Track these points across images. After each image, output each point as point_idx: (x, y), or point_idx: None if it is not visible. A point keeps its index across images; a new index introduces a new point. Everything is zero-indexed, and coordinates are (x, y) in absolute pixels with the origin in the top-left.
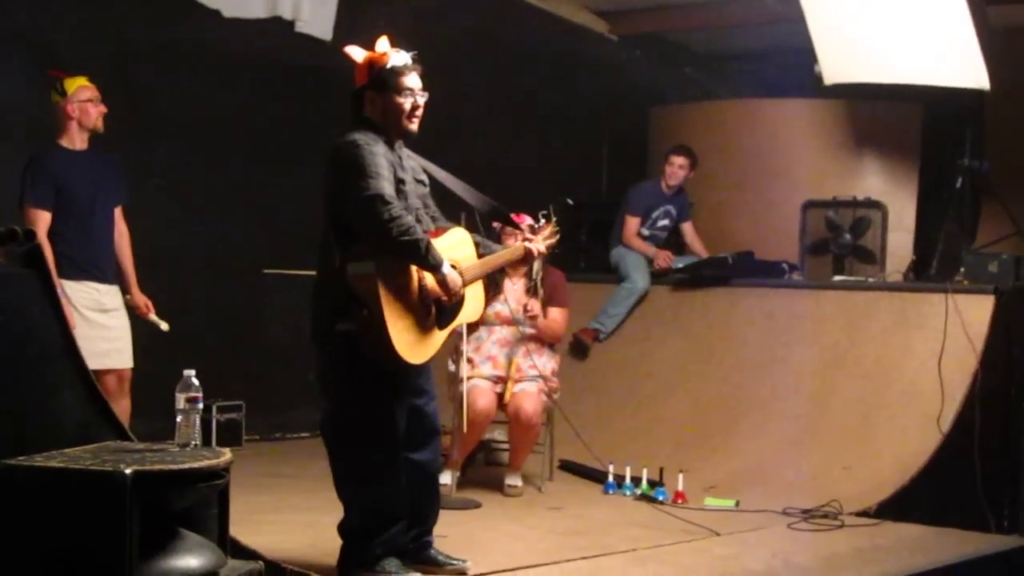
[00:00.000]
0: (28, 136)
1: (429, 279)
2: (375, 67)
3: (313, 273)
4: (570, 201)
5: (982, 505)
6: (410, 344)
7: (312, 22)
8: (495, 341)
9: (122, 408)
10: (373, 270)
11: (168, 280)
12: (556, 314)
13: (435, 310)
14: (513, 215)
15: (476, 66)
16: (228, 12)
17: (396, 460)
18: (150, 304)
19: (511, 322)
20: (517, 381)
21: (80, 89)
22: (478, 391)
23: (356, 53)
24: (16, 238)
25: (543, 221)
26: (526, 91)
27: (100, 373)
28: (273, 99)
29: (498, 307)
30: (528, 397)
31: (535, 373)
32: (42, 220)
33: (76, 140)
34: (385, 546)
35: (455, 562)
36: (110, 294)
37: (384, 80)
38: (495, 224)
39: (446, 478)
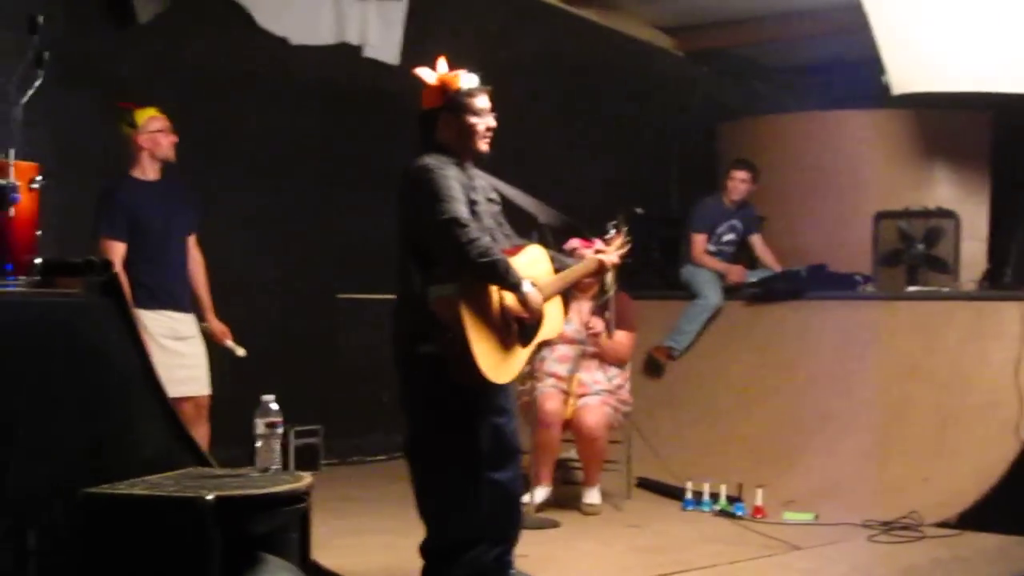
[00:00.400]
0: (99, 167)
1: (510, 298)
2: (449, 89)
3: (387, 296)
4: (639, 210)
5: None
6: (495, 364)
7: (379, 47)
8: (556, 359)
9: (200, 435)
10: (455, 293)
11: (243, 306)
12: (622, 336)
13: (517, 328)
14: (583, 240)
15: (543, 86)
16: (296, 40)
17: (480, 480)
18: (227, 330)
19: (573, 341)
20: (579, 396)
21: (150, 120)
22: (545, 395)
23: (428, 75)
24: (94, 268)
25: (613, 232)
26: (594, 110)
27: (178, 401)
28: (343, 124)
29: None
30: (589, 410)
31: (599, 388)
32: (116, 251)
33: (148, 170)
34: (467, 567)
35: None
36: (186, 322)
37: (460, 102)
38: (568, 247)
39: (540, 495)
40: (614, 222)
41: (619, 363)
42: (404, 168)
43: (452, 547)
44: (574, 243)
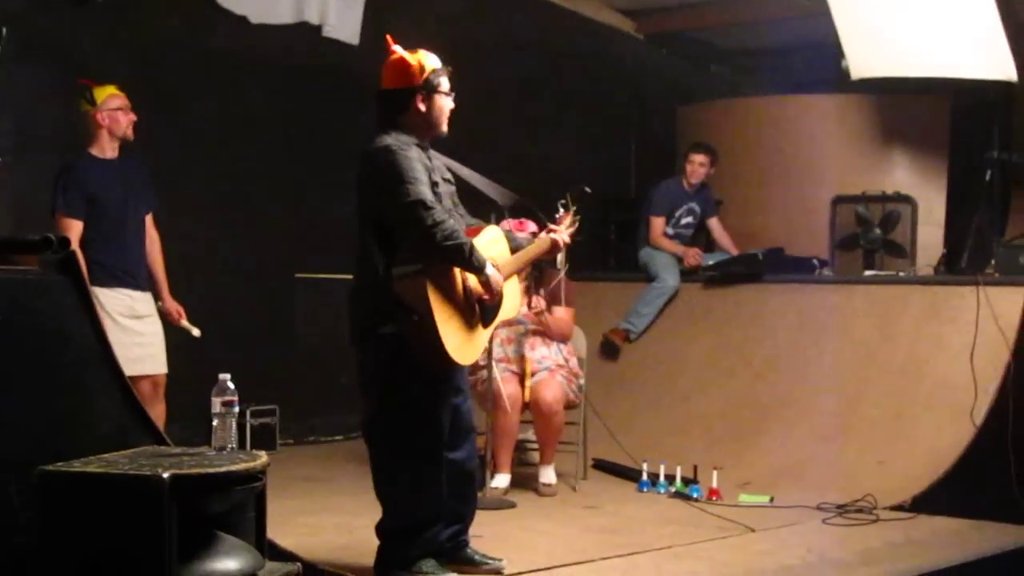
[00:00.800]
0: (56, 144)
1: (472, 279)
2: (425, 68)
3: (346, 276)
4: (587, 189)
5: (1016, 497)
6: (459, 346)
7: (339, 27)
8: (500, 342)
9: (157, 413)
10: (421, 275)
11: (200, 285)
12: (562, 313)
13: (479, 309)
14: (516, 222)
15: (503, 67)
16: (255, 18)
17: (439, 461)
18: (181, 310)
19: (513, 323)
20: (533, 374)
21: (110, 98)
22: (503, 380)
23: (407, 55)
24: (51, 246)
25: (562, 211)
26: (553, 91)
27: (135, 379)
28: (302, 104)
29: None
30: (545, 385)
31: (548, 363)
32: (74, 228)
33: (106, 149)
34: (423, 547)
35: (491, 561)
36: (143, 300)
37: (437, 82)
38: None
39: (501, 482)
40: (563, 201)
41: (562, 339)
42: (363, 148)
43: (409, 527)
44: (506, 224)
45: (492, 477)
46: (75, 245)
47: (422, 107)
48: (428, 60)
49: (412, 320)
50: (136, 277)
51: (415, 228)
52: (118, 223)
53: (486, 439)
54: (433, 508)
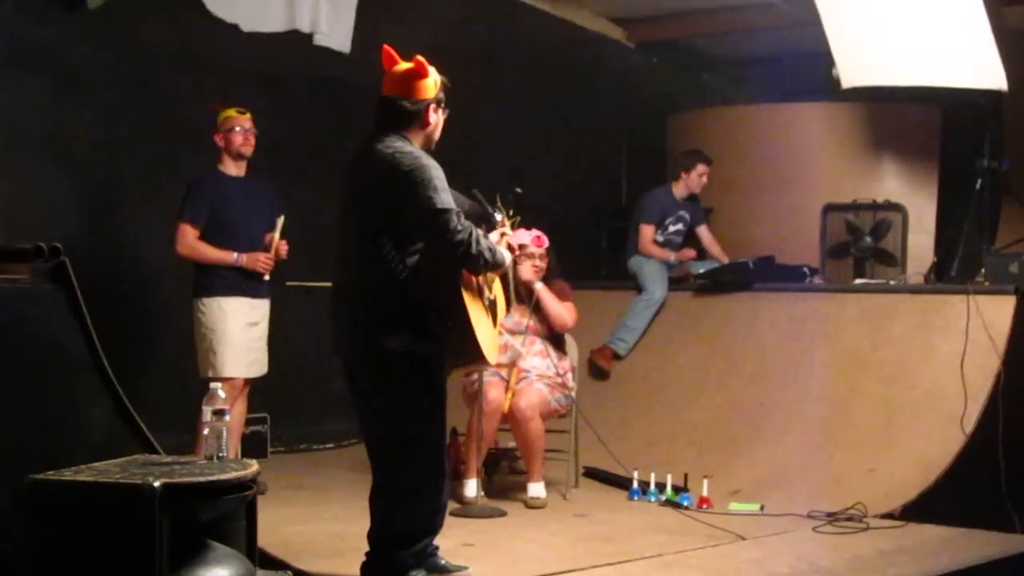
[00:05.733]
0: (48, 152)
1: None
2: (438, 82)
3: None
4: (519, 189)
5: (1007, 505)
6: (490, 346)
7: (330, 35)
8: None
9: (241, 410)
10: (455, 280)
11: (191, 292)
12: (562, 308)
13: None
14: (536, 236)
15: (494, 76)
16: (246, 26)
17: (445, 473)
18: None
19: (513, 331)
20: (518, 382)
21: (226, 119)
22: (489, 384)
23: (424, 66)
24: (42, 255)
25: (499, 216)
26: (544, 100)
27: (239, 381)
28: (292, 112)
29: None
30: (522, 392)
31: (534, 375)
32: (189, 233)
33: (230, 166)
34: (417, 558)
35: (458, 568)
36: (260, 307)
37: (444, 98)
38: None
39: (471, 488)
40: (498, 205)
41: (562, 328)
42: (370, 150)
43: (407, 539)
44: (523, 234)
45: (464, 483)
46: (184, 249)
47: (432, 120)
48: (437, 74)
49: (447, 325)
50: (254, 287)
51: (444, 235)
52: (237, 236)
53: (472, 447)
54: (432, 520)
